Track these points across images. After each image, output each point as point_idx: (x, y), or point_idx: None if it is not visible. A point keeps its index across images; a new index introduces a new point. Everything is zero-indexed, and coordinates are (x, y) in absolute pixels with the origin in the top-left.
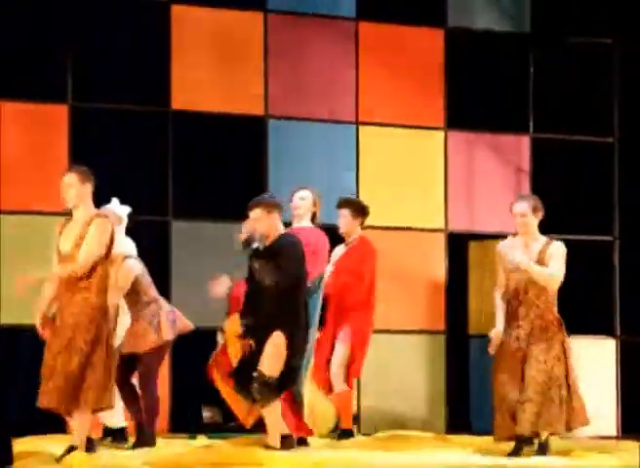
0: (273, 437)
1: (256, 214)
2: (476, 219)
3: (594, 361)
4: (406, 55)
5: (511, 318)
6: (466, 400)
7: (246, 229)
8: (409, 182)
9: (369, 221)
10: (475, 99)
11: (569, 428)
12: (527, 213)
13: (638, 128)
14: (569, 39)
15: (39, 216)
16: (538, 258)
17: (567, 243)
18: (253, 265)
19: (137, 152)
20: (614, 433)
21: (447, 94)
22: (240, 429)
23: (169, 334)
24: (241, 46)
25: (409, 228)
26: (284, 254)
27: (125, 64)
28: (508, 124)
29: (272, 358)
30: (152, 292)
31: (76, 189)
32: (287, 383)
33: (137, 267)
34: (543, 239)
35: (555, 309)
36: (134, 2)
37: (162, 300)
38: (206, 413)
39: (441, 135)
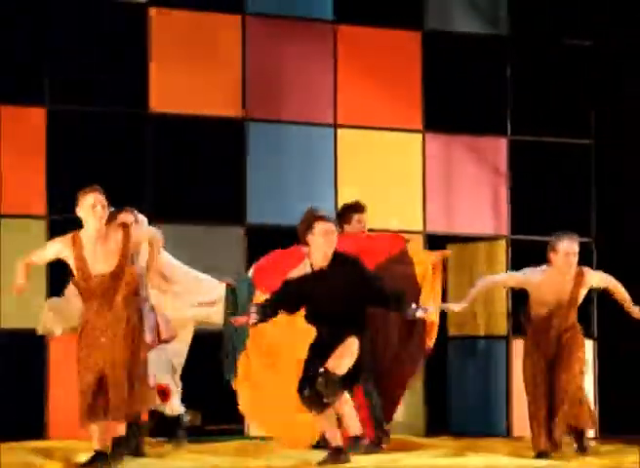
0: (353, 427)
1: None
2: (454, 222)
3: None
4: (384, 57)
5: (541, 339)
6: (445, 401)
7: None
8: (387, 185)
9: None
10: (453, 102)
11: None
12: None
13: (615, 129)
14: (547, 42)
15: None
16: (574, 284)
17: (544, 244)
18: (318, 283)
19: (115, 155)
20: (592, 434)
21: (425, 96)
22: (220, 433)
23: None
24: (219, 48)
25: (387, 230)
26: (359, 266)
27: (103, 67)
28: (486, 126)
29: (342, 358)
30: None
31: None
32: (352, 382)
33: None
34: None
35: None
36: (111, 4)
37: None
38: (186, 417)
39: (419, 137)
